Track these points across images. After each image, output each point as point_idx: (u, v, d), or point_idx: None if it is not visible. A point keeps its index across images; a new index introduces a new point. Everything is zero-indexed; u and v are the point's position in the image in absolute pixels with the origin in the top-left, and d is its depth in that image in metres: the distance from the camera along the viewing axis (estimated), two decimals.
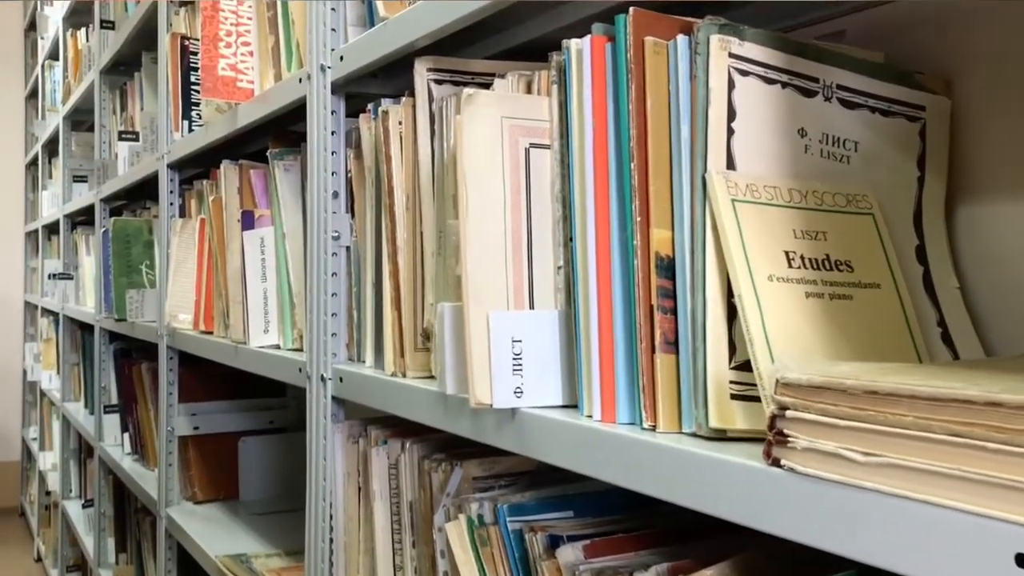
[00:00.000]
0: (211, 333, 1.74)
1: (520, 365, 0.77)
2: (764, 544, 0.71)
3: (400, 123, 1.01)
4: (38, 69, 4.50)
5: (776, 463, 0.53)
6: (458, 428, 0.85)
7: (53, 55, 4.06)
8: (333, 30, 1.16)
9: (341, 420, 1.17)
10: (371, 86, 1.18)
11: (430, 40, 0.98)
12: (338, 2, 1.16)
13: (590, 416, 0.72)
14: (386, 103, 1.05)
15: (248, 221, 1.47)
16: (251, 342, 1.44)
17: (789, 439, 0.52)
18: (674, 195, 0.68)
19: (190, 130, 1.87)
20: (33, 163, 4.95)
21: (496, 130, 0.79)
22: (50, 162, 4.40)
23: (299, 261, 1.38)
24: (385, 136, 1.01)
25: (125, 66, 2.77)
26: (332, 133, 1.16)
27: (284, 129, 1.48)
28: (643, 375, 0.67)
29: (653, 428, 0.66)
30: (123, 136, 2.55)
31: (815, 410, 0.50)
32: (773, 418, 0.53)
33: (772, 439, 0.53)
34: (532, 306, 0.79)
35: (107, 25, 2.81)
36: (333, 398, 1.15)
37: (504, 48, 1.10)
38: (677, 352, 0.66)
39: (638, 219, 0.68)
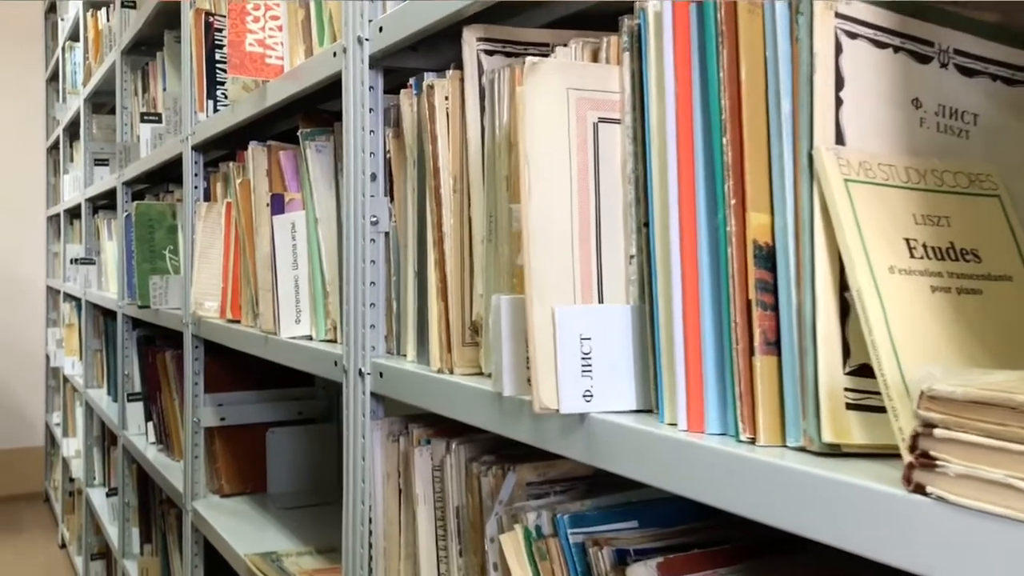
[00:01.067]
0: (238, 322, 1.68)
1: (589, 366, 0.69)
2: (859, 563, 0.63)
3: (446, 99, 0.93)
4: (58, 51, 4.45)
5: (920, 490, 0.45)
6: (516, 433, 0.77)
7: (73, 36, 4.00)
8: (370, 0, 1.08)
9: (380, 417, 1.09)
10: (411, 60, 1.10)
11: (480, 7, 0.90)
12: None
13: (673, 424, 0.64)
14: (430, 77, 0.97)
15: (278, 205, 1.40)
16: (282, 332, 1.37)
17: (938, 463, 0.44)
18: (773, 174, 0.59)
19: (215, 110, 1.80)
20: (54, 147, 4.91)
21: (562, 103, 0.71)
22: (71, 145, 4.35)
23: (333, 248, 1.31)
24: (430, 113, 0.93)
25: (147, 46, 2.70)
26: (370, 111, 1.08)
27: (315, 108, 1.40)
28: (739, 380, 0.59)
29: (752, 441, 0.58)
30: (145, 118, 2.48)
31: (975, 430, 0.42)
32: (916, 436, 0.45)
33: (915, 461, 0.45)
34: (601, 300, 0.72)
35: (128, 4, 2.74)
36: (372, 394, 1.08)
37: (554, 19, 1.02)
38: (779, 354, 0.58)
39: (732, 202, 0.60)
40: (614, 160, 0.72)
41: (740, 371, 0.59)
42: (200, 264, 1.83)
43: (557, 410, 0.68)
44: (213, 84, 1.80)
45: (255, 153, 1.48)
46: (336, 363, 1.16)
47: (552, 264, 0.69)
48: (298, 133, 1.35)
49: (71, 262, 3.98)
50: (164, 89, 2.48)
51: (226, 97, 1.80)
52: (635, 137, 0.71)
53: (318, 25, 1.34)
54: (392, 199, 1.10)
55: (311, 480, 1.99)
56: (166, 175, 2.57)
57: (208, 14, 1.80)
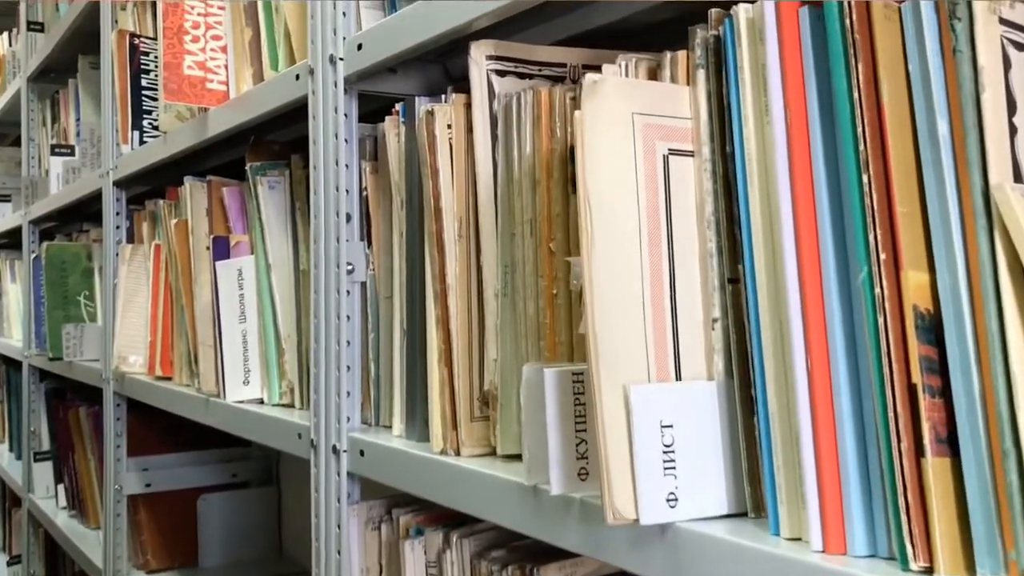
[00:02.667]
0: (169, 379, 1.48)
1: (672, 461, 0.54)
2: None
3: (449, 127, 0.78)
4: None
5: None
6: (564, 540, 0.62)
7: None
8: (344, 14, 0.93)
9: (356, 501, 0.93)
10: (389, 83, 0.95)
11: (492, 19, 0.76)
12: None
13: (797, 540, 0.50)
14: (423, 101, 0.83)
15: (221, 249, 1.23)
16: (227, 395, 1.19)
17: None
18: (931, 220, 0.47)
19: (141, 142, 1.61)
20: None
21: (627, 131, 0.57)
22: None
23: (289, 298, 1.14)
24: (430, 144, 0.78)
25: (57, 73, 2.48)
26: (344, 141, 0.92)
27: (261, 139, 1.24)
28: (904, 488, 0.45)
29: (929, 572, 0.45)
30: (56, 151, 2.26)
31: None
32: None
33: None
34: (679, 375, 0.57)
35: (35, 27, 2.52)
36: (348, 474, 0.91)
37: (560, 37, 0.88)
38: (954, 454, 0.45)
39: (882, 257, 0.47)
40: (687, 200, 0.59)
41: (906, 476, 0.45)
42: (124, 313, 1.63)
43: (637, 520, 0.53)
44: (139, 113, 1.62)
45: (193, 190, 1.30)
46: (300, 436, 0.99)
47: (622, 330, 0.55)
48: (246, 167, 1.18)
49: None
50: (78, 119, 2.27)
51: (155, 128, 1.62)
52: (715, 172, 0.58)
53: (269, 45, 1.18)
54: (369, 244, 0.94)
55: (247, 550, 1.79)
56: (80, 213, 2.35)
57: (133, 35, 1.62)
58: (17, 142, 3.33)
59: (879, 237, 0.47)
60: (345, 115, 0.92)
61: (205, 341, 1.26)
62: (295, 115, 1.24)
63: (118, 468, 1.74)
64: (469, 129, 0.78)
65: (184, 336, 1.38)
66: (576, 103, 0.69)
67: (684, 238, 0.58)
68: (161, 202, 1.48)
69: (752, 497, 0.55)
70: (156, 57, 1.63)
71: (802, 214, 0.51)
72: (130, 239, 1.73)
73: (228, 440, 1.86)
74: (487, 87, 0.76)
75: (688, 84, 0.60)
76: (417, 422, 0.85)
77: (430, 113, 0.78)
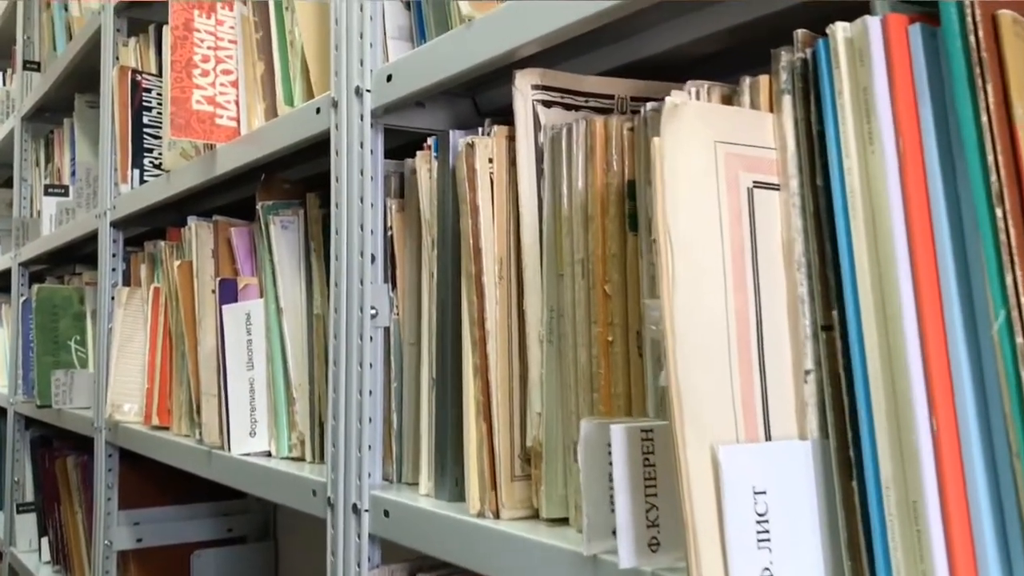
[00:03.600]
0: (167, 429, 1.41)
1: (767, 532, 0.48)
2: None
3: (491, 161, 0.73)
4: None
5: None
6: None
7: None
8: (371, 45, 0.88)
9: (377, 564, 0.86)
10: (414, 118, 0.90)
11: (538, 47, 0.70)
12: (375, 4, 0.88)
13: None
14: (458, 135, 0.77)
15: (228, 292, 1.16)
16: (232, 447, 1.12)
17: None
18: None
19: (142, 181, 1.55)
20: None
21: (709, 161, 0.51)
22: None
23: (301, 344, 1.08)
24: (470, 179, 0.72)
25: (52, 112, 2.43)
26: (371, 179, 0.87)
27: (272, 176, 1.18)
28: None
29: None
30: (50, 191, 2.20)
31: None
32: None
33: None
34: (768, 433, 0.51)
35: (31, 66, 2.48)
36: (370, 536, 0.84)
37: (600, 70, 0.83)
38: None
39: (1023, 301, 0.41)
40: (772, 238, 0.53)
41: None
42: (118, 359, 1.55)
43: None
44: (140, 151, 1.56)
45: (198, 230, 1.24)
46: (315, 493, 0.92)
47: (708, 382, 0.49)
48: (257, 206, 1.12)
49: None
50: (73, 159, 2.21)
51: (155, 166, 1.56)
52: (805, 208, 0.52)
53: (284, 80, 1.13)
54: (394, 286, 0.88)
55: None
56: (72, 255, 2.28)
57: (135, 72, 1.57)
58: (8, 184, 3.26)
59: (1019, 279, 0.41)
60: (372, 151, 0.87)
61: (208, 389, 1.19)
62: (306, 153, 1.19)
63: (108, 522, 1.65)
64: (512, 163, 0.73)
65: (185, 384, 1.31)
66: (635, 134, 0.64)
67: (770, 280, 0.53)
68: (162, 243, 1.41)
69: (853, 571, 0.49)
70: (159, 94, 1.58)
71: (920, 253, 0.45)
72: (126, 282, 1.67)
73: (223, 492, 1.78)
74: (532, 118, 0.71)
75: (771, 111, 0.54)
76: (447, 480, 0.79)
77: (470, 146, 0.72)
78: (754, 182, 0.53)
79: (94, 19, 1.79)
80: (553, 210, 0.69)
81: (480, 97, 0.94)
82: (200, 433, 1.22)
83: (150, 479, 1.71)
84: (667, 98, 0.51)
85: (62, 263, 2.39)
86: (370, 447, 0.86)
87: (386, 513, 0.81)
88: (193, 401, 1.26)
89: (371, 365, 0.86)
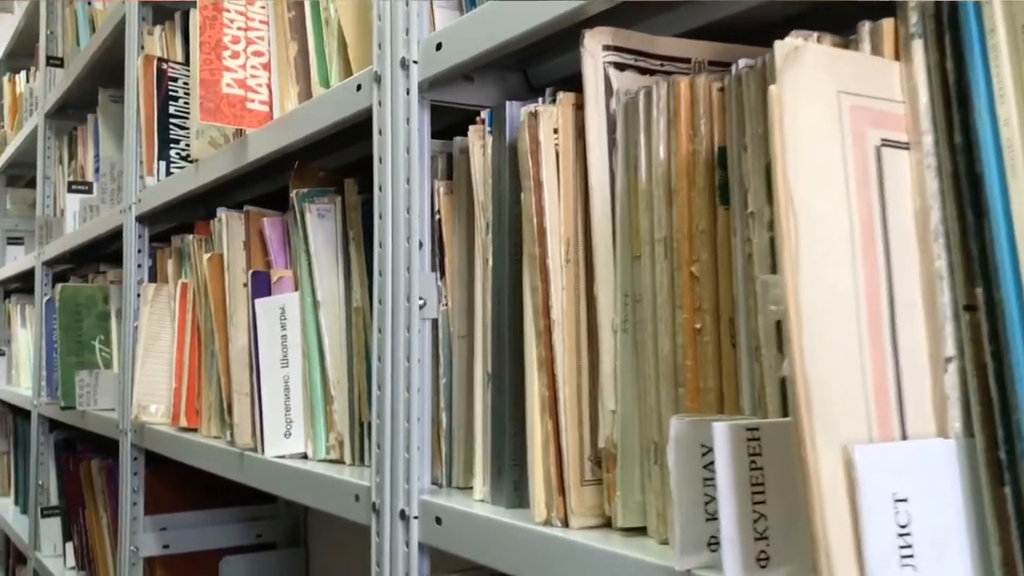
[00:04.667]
0: (195, 431, 1.35)
1: (910, 547, 0.41)
2: None
3: (555, 132, 0.66)
4: None
5: None
6: None
7: None
8: (418, 14, 0.81)
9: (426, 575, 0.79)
10: (461, 93, 0.83)
11: (609, 2, 0.63)
12: None
13: None
14: (515, 106, 0.71)
15: (261, 286, 1.10)
16: (266, 449, 1.05)
17: None
18: None
19: (168, 173, 1.50)
20: None
21: (832, 114, 0.44)
22: None
23: (339, 339, 1.01)
24: (534, 152, 0.65)
25: (75, 108, 2.38)
26: (418, 158, 0.80)
27: (306, 163, 1.12)
28: None
29: None
30: (74, 187, 2.15)
31: None
32: None
33: None
34: (904, 430, 0.44)
35: (54, 62, 2.43)
36: (420, 545, 0.77)
37: (664, 35, 0.76)
38: None
39: None
40: (903, 204, 0.46)
41: None
42: (144, 358, 1.50)
43: None
44: (166, 142, 1.51)
45: (229, 221, 1.18)
46: (358, 498, 0.85)
47: (838, 372, 0.42)
48: (291, 195, 1.06)
49: None
50: (96, 156, 2.16)
51: (182, 157, 1.50)
52: (941, 169, 0.45)
53: (319, 60, 1.07)
54: (442, 275, 0.81)
55: None
56: (96, 253, 2.23)
57: (161, 60, 1.51)
58: (31, 184, 3.23)
59: None
60: (418, 127, 0.80)
61: (240, 388, 1.13)
62: (342, 138, 1.13)
63: (134, 527, 1.60)
64: (579, 133, 0.66)
65: (214, 383, 1.25)
66: (725, 95, 0.57)
67: (903, 253, 0.45)
68: (190, 237, 1.35)
69: None
70: (185, 83, 1.52)
71: None
72: (151, 279, 1.61)
73: (252, 496, 1.72)
74: (604, 82, 0.64)
75: (897, 60, 0.47)
76: (505, 484, 0.72)
77: (533, 116, 0.65)
78: (882, 140, 0.46)
79: (118, 9, 1.74)
80: (627, 184, 0.62)
81: (532, 71, 0.87)
82: (231, 435, 1.15)
83: (177, 483, 1.65)
84: (782, 42, 0.44)
85: (86, 262, 2.35)
86: (419, 448, 0.79)
87: (438, 520, 0.75)
88: (224, 401, 1.19)
89: (419, 360, 0.79)
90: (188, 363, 1.36)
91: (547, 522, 0.65)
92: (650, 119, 0.60)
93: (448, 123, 0.90)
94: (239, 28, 1.15)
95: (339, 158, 1.24)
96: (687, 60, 0.68)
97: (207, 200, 1.52)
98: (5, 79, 3.19)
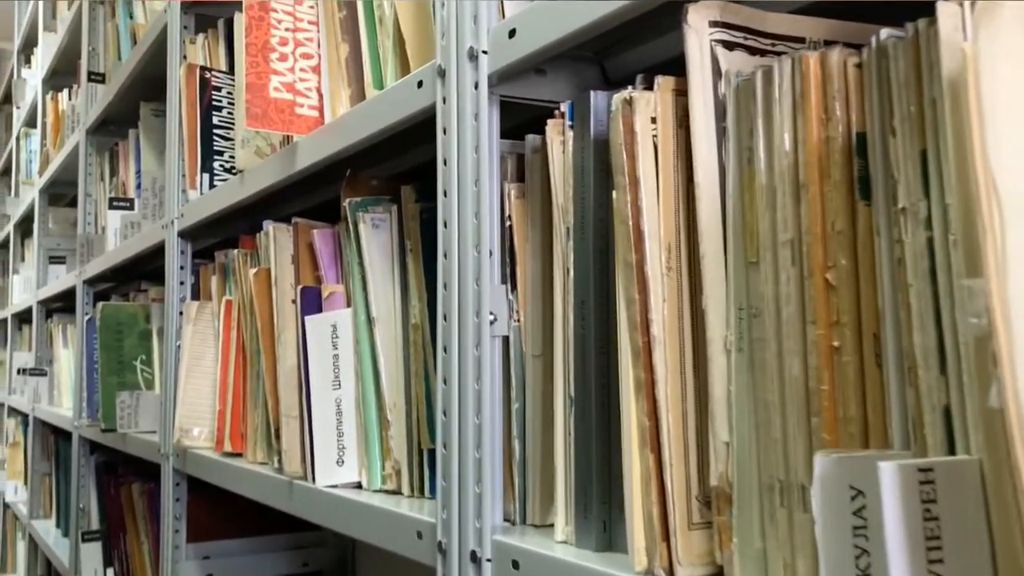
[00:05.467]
0: (240, 455, 1.28)
1: None
2: None
3: (654, 121, 0.58)
4: (12, 141, 4.08)
5: None
6: None
7: (30, 122, 3.64)
8: (487, 0, 0.73)
9: None
10: (533, 88, 0.76)
11: None
12: None
13: None
14: (600, 96, 0.63)
15: (311, 302, 1.03)
16: (317, 478, 0.98)
17: None
18: None
19: (211, 186, 1.44)
20: (3, 245, 4.49)
21: None
22: (23, 243, 3.94)
23: (397, 359, 0.93)
24: (628, 144, 0.57)
25: (116, 124, 2.35)
26: (488, 159, 0.72)
27: (358, 172, 1.05)
28: None
29: None
30: (115, 204, 2.10)
31: None
32: None
33: None
34: None
35: (96, 78, 2.40)
36: None
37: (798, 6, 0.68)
38: None
39: None
40: None
41: None
42: (187, 379, 1.43)
43: None
44: (210, 154, 1.45)
45: (276, 234, 1.11)
46: (421, 535, 0.77)
47: None
48: (343, 204, 0.99)
49: (18, 372, 3.53)
50: (138, 171, 2.12)
51: (226, 170, 1.44)
52: None
53: (372, 61, 1.00)
54: (513, 287, 0.73)
55: None
56: (137, 271, 2.18)
57: (204, 69, 1.45)
58: (73, 203, 3.21)
59: None
60: (488, 125, 0.72)
61: (289, 412, 1.06)
62: (396, 144, 1.06)
63: (176, 556, 1.53)
64: (681, 123, 0.57)
65: (261, 406, 1.18)
66: (864, 71, 0.49)
67: None
68: (235, 251, 1.29)
69: None
70: (229, 92, 1.46)
71: None
72: (194, 296, 1.55)
73: (298, 523, 1.65)
74: (711, 63, 0.55)
75: None
76: (592, 524, 0.63)
77: (627, 103, 0.57)
78: None
79: (159, 20, 1.69)
80: (741, 179, 0.53)
81: (610, 63, 0.79)
82: (279, 461, 1.08)
83: (220, 509, 1.58)
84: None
85: (128, 280, 2.30)
86: (491, 482, 0.71)
87: (515, 564, 0.66)
88: (271, 425, 1.12)
89: (490, 382, 0.71)
90: (233, 384, 1.29)
91: (648, 571, 0.56)
92: (770, 103, 0.51)
93: (514, 123, 0.83)
94: (287, 29, 1.09)
95: (393, 166, 1.17)
96: (801, 40, 0.59)
97: (252, 214, 1.46)
98: (48, 98, 3.17)
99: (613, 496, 0.62)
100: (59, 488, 2.85)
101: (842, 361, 0.48)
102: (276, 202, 1.39)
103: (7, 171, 4.50)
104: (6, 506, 3.82)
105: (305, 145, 1.05)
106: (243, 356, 1.26)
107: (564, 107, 0.67)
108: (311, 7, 1.10)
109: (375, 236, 0.96)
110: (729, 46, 0.56)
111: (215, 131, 1.45)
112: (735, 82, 0.54)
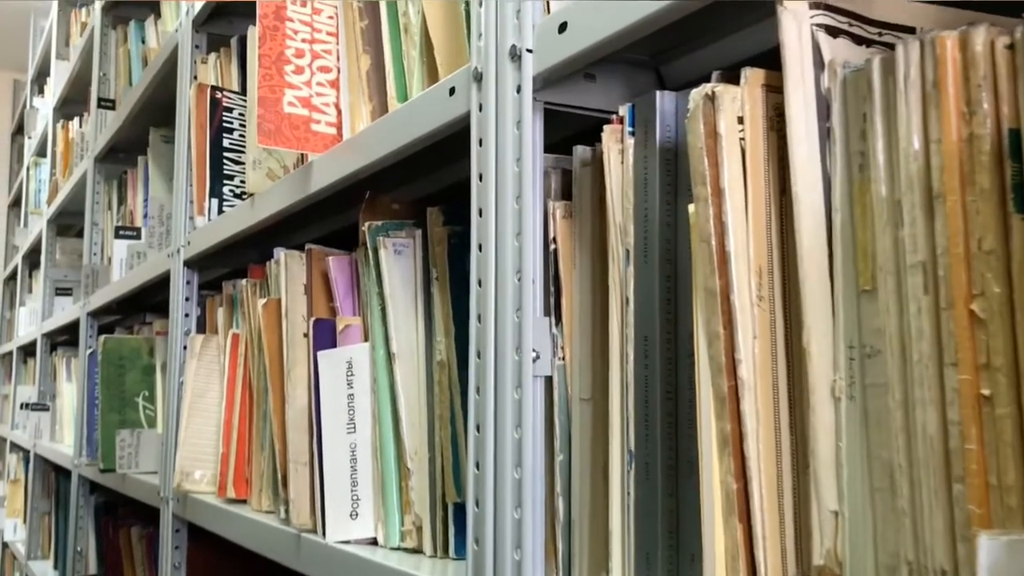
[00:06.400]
0: (244, 502, 1.18)
1: None
2: None
3: (740, 121, 0.48)
4: (23, 172, 4.02)
5: None
6: None
7: (40, 152, 3.58)
8: None
9: None
10: (580, 94, 0.67)
11: None
12: None
13: None
14: (667, 97, 0.53)
15: (324, 336, 0.93)
16: (328, 532, 0.88)
17: None
18: None
19: (220, 211, 1.35)
20: (12, 277, 4.42)
21: None
22: (31, 275, 3.87)
23: (419, 399, 0.84)
24: (711, 149, 0.48)
25: (125, 152, 2.28)
26: (531, 173, 0.63)
27: (377, 195, 0.96)
28: None
29: None
30: (121, 233, 2.02)
31: None
32: None
33: None
34: None
35: (106, 104, 2.33)
36: None
37: None
38: None
39: None
40: None
41: None
42: (189, 418, 1.34)
43: None
44: (219, 178, 1.36)
45: (288, 262, 1.02)
46: None
47: None
48: (363, 228, 0.90)
49: (21, 407, 3.44)
50: (146, 200, 2.04)
51: (236, 195, 1.36)
52: None
53: (396, 73, 0.91)
54: (557, 320, 0.64)
55: None
56: (143, 303, 2.10)
57: (215, 89, 1.37)
58: (81, 234, 3.14)
59: None
60: (532, 134, 0.63)
61: (298, 457, 0.96)
62: (417, 166, 0.97)
63: None
64: (773, 124, 0.48)
65: (267, 449, 1.08)
66: (1016, 53, 0.39)
67: None
68: (243, 281, 1.20)
69: None
70: (241, 114, 1.38)
71: None
72: (200, 329, 1.46)
73: None
74: (812, 52, 0.46)
75: None
76: None
77: (710, 99, 0.48)
78: None
79: (171, 40, 1.61)
80: (851, 189, 0.44)
81: (666, 68, 0.70)
82: (286, 511, 0.98)
83: (223, 558, 1.48)
84: None
85: (133, 312, 2.22)
86: (533, 546, 0.61)
87: None
88: (278, 471, 1.02)
89: (532, 429, 0.61)
90: (238, 425, 1.20)
91: None
92: (892, 96, 0.42)
93: (553, 138, 0.74)
94: (303, 40, 1.00)
95: (412, 191, 1.08)
96: (911, 29, 0.50)
97: (262, 242, 1.37)
98: (59, 126, 3.11)
99: (682, 571, 0.52)
100: (58, 528, 2.75)
101: (996, 414, 0.38)
102: (288, 229, 1.30)
103: (18, 202, 4.44)
104: (5, 545, 3.71)
105: (321, 164, 0.97)
106: (249, 394, 1.17)
107: (624, 110, 0.58)
108: (330, 17, 1.02)
109: (397, 263, 0.86)
110: (832, 32, 0.47)
111: (225, 154, 1.37)
112: (843, 74, 0.45)
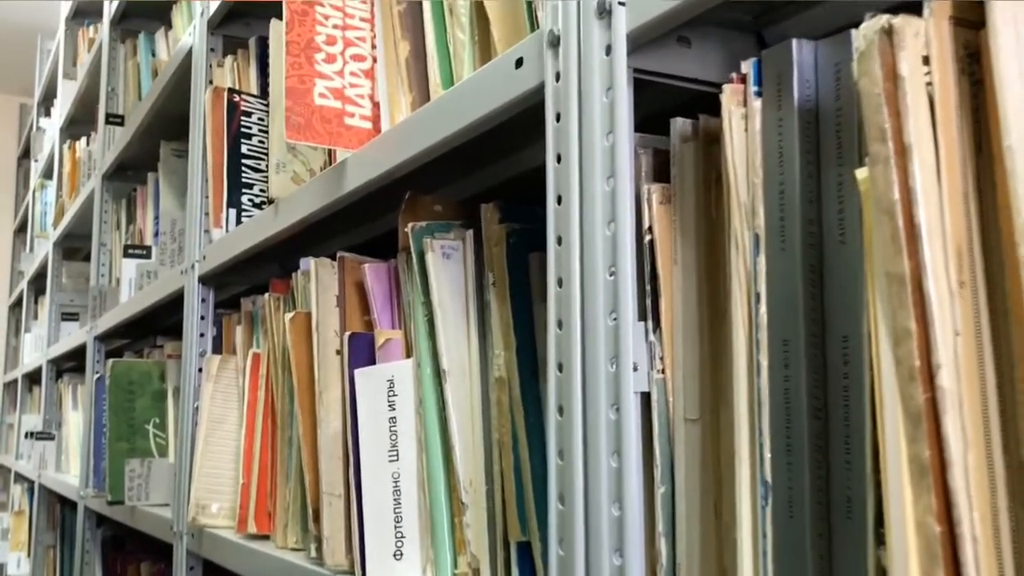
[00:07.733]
0: (267, 538, 1.07)
1: None
2: None
3: (926, 63, 0.38)
4: (29, 196, 3.94)
5: None
6: None
7: (47, 174, 3.50)
8: None
9: None
10: (671, 61, 0.57)
11: None
12: None
13: None
14: (806, 46, 0.44)
15: (361, 351, 0.83)
16: (368, 574, 0.77)
17: None
18: None
19: (238, 223, 1.25)
20: (17, 303, 4.33)
21: None
22: (36, 301, 3.78)
23: (473, 423, 0.73)
24: (890, 96, 0.38)
25: (134, 169, 2.19)
26: (624, 149, 0.53)
27: (418, 194, 0.86)
28: None
29: None
30: (130, 252, 1.93)
31: None
32: None
33: None
34: None
35: (114, 120, 2.24)
36: None
37: None
38: None
39: None
40: None
41: None
42: (205, 446, 1.23)
43: None
44: (237, 187, 1.26)
45: (318, 271, 0.92)
46: None
47: None
48: (406, 230, 0.80)
49: (25, 436, 3.33)
50: (156, 217, 1.95)
51: (255, 205, 1.26)
52: None
53: (441, 59, 0.82)
54: (657, 326, 0.53)
55: None
56: (153, 326, 2.00)
57: (232, 92, 1.28)
58: (88, 257, 3.05)
59: None
60: (624, 104, 0.53)
61: (332, 489, 0.85)
62: (462, 163, 0.87)
63: None
64: (965, 67, 0.38)
65: (295, 480, 0.97)
66: None
67: None
68: (266, 296, 1.10)
69: None
70: (260, 118, 1.28)
71: None
72: (216, 351, 1.36)
73: None
74: None
75: None
76: None
77: (886, 33, 0.38)
78: None
79: (184, 44, 1.52)
80: None
81: (768, 31, 0.61)
82: (318, 549, 0.87)
83: None
84: None
85: (142, 336, 2.12)
86: None
87: None
88: (308, 504, 0.92)
89: (631, 457, 0.51)
90: (259, 453, 1.09)
91: None
92: None
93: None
94: (335, 26, 0.91)
95: (455, 191, 0.98)
96: None
97: (284, 255, 1.27)
98: (65, 146, 3.03)
99: None
100: (63, 563, 2.63)
101: None
102: (313, 241, 1.20)
103: (24, 227, 4.36)
104: None
105: (355, 161, 0.87)
106: (272, 419, 1.06)
107: (747, 66, 0.48)
108: (363, 1, 0.93)
109: (445, 268, 0.76)
110: None
111: (244, 161, 1.27)
112: None
